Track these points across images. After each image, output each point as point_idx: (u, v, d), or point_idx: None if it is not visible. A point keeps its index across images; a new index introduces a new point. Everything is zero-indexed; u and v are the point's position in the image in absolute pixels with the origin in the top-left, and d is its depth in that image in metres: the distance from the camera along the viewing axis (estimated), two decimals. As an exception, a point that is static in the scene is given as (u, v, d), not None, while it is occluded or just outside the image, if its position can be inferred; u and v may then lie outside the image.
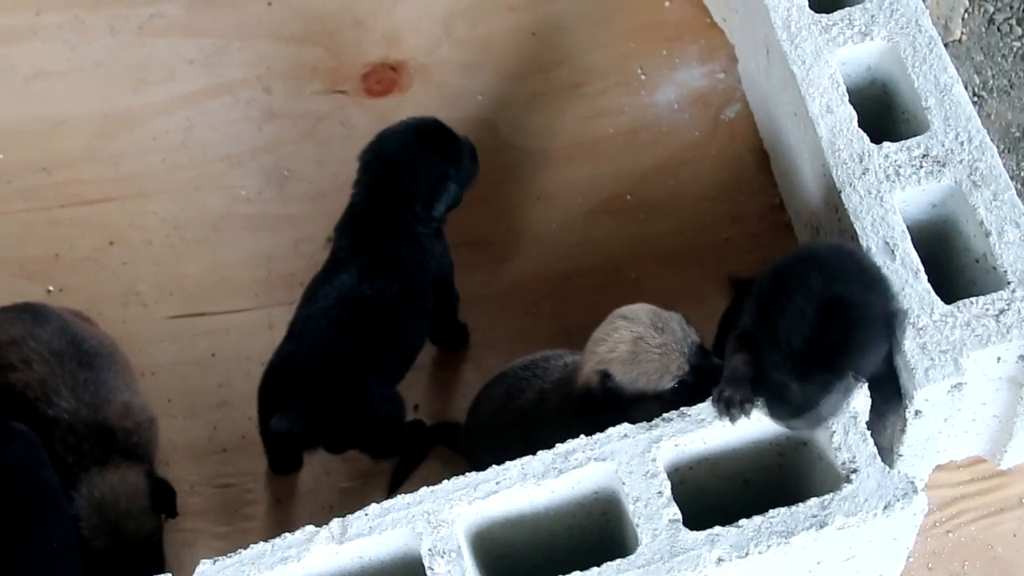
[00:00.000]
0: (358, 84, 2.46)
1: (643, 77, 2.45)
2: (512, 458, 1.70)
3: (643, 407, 1.75)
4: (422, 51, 2.49)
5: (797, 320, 1.56)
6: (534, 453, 1.71)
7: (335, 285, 2.02)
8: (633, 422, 1.72)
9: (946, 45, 2.42)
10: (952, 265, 1.94)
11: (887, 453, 1.89)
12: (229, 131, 2.42)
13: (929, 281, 1.81)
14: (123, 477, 1.96)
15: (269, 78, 2.47)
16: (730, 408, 1.69)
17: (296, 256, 2.30)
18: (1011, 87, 2.39)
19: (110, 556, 1.94)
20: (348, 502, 2.06)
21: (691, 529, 1.68)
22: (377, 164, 2.07)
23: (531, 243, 2.32)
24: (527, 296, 2.28)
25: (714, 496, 1.83)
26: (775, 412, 1.65)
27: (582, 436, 1.73)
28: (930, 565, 1.98)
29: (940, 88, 1.92)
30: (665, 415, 1.74)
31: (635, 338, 1.76)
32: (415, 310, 2.06)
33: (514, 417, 1.71)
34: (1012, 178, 2.29)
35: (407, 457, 2.13)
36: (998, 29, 2.46)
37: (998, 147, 2.34)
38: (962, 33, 2.46)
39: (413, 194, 2.04)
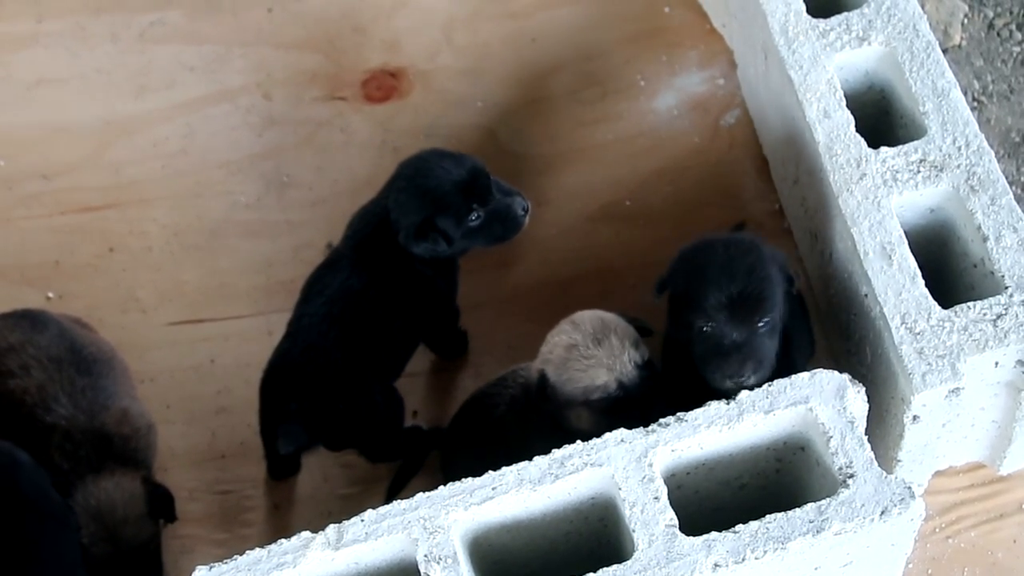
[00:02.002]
0: (358, 90, 2.46)
1: (642, 83, 2.45)
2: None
3: (574, 412, 1.78)
4: (422, 58, 2.49)
5: (719, 279, 1.79)
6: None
7: (327, 282, 2.03)
8: (568, 427, 1.76)
9: (946, 50, 2.43)
10: (950, 270, 1.94)
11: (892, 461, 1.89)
12: (229, 138, 2.42)
13: (927, 286, 1.81)
14: (119, 483, 1.96)
15: (269, 85, 2.47)
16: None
17: (296, 262, 2.29)
18: (1011, 92, 2.39)
19: (109, 563, 1.94)
20: (347, 509, 2.04)
21: (688, 534, 1.67)
22: (395, 180, 2.03)
23: (531, 249, 2.32)
24: (527, 302, 2.28)
25: (711, 501, 1.83)
26: (721, 369, 1.78)
27: (578, 441, 1.73)
28: (930, 571, 1.97)
29: (937, 93, 1.92)
30: (662, 420, 1.74)
31: (570, 345, 1.80)
32: (405, 309, 2.05)
33: (491, 432, 1.73)
34: (1012, 183, 2.30)
35: (406, 463, 2.12)
36: (998, 34, 2.46)
37: (998, 152, 2.34)
38: (962, 38, 2.46)
39: (396, 225, 1.99)
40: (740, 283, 1.79)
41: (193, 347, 2.24)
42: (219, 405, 2.20)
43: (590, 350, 1.80)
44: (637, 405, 1.79)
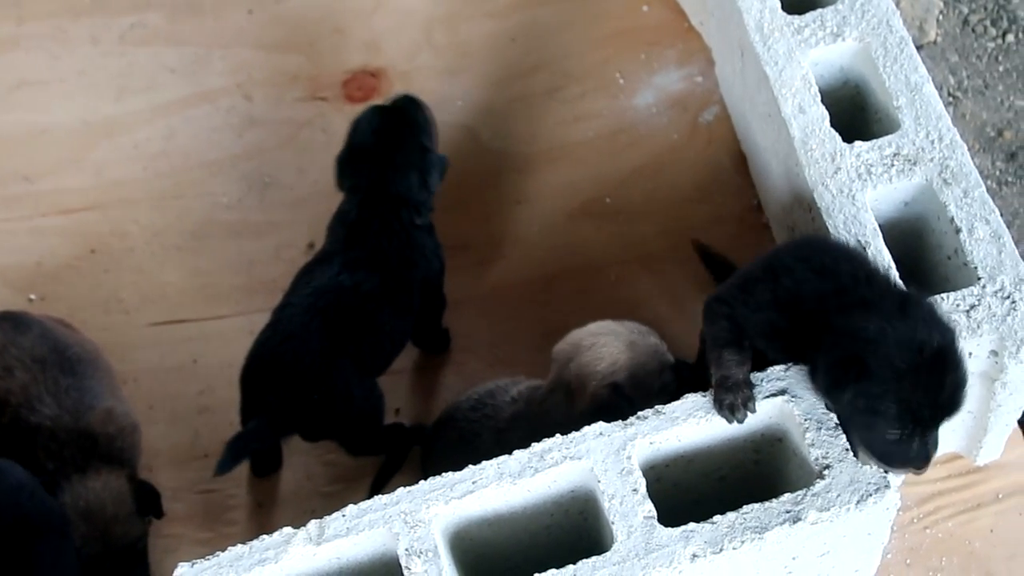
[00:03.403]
0: (339, 91, 2.47)
1: (621, 81, 2.47)
2: None
3: (651, 405, 1.79)
4: (402, 58, 2.51)
5: (913, 391, 1.59)
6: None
7: (316, 275, 2.05)
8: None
9: (921, 47, 2.45)
10: (926, 262, 1.95)
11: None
12: (210, 139, 2.43)
13: (904, 278, 1.82)
14: (107, 483, 1.97)
15: (250, 86, 2.48)
16: (735, 412, 1.72)
17: (277, 262, 2.31)
18: (986, 87, 2.41)
19: (99, 562, 1.95)
20: (330, 506, 2.03)
21: (669, 527, 1.69)
22: (360, 170, 2.10)
23: (512, 247, 2.34)
24: (508, 299, 2.29)
25: (691, 493, 1.84)
26: (896, 467, 1.67)
27: (557, 435, 1.74)
28: (908, 561, 1.99)
29: (911, 87, 1.94)
30: (640, 413, 1.75)
31: (629, 344, 1.85)
32: (396, 305, 2.08)
33: (471, 461, 1.75)
34: (987, 177, 2.33)
35: (388, 460, 2.13)
36: (972, 30, 2.48)
37: (973, 147, 2.37)
38: (937, 34, 2.48)
39: (407, 189, 2.08)
40: (947, 394, 1.61)
41: (176, 347, 2.25)
42: (202, 405, 2.20)
43: (648, 339, 1.88)
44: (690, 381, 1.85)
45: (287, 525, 1.73)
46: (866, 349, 1.61)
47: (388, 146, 2.10)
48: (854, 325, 1.62)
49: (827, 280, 1.69)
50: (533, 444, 1.74)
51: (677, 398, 1.75)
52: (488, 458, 1.71)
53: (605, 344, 1.85)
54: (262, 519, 2.11)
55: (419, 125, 2.14)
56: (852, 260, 1.73)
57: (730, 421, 1.72)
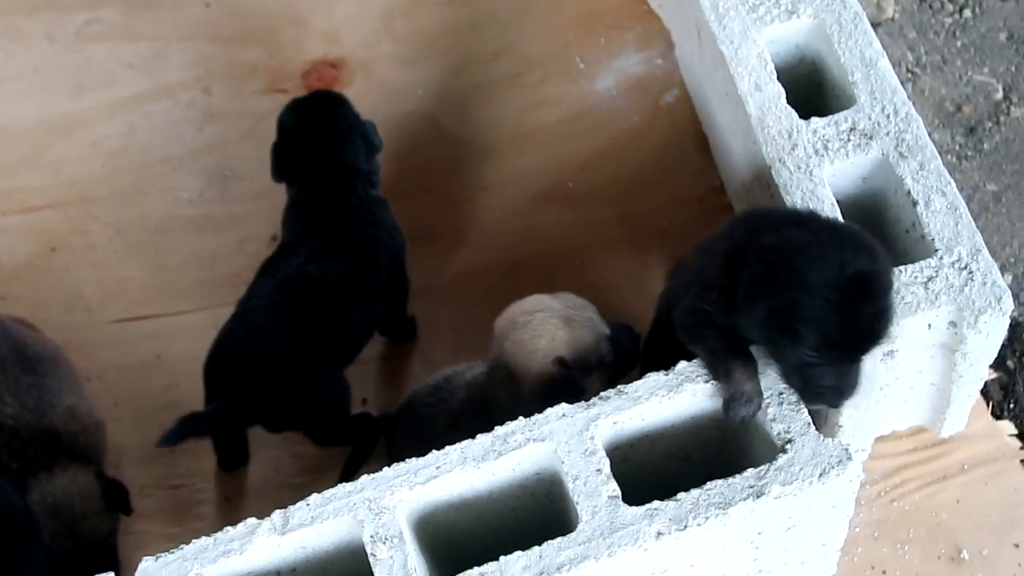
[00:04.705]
0: (299, 82, 2.46)
1: (582, 66, 2.46)
2: None
3: (594, 377, 1.81)
4: (362, 47, 2.49)
5: (825, 310, 1.49)
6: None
7: (281, 266, 2.05)
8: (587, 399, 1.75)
9: (879, 24, 2.46)
10: (885, 236, 1.95)
11: (833, 426, 1.92)
12: (170, 134, 2.42)
13: (863, 253, 1.83)
14: (74, 479, 1.97)
15: (209, 79, 2.47)
16: (751, 403, 1.68)
17: (240, 256, 2.30)
18: (944, 63, 2.42)
19: (69, 558, 1.94)
20: (299, 498, 2.01)
21: (635, 505, 1.69)
22: (304, 152, 2.11)
23: (476, 234, 2.33)
24: (473, 287, 2.29)
25: (657, 473, 1.84)
26: (815, 401, 1.62)
27: (520, 418, 1.74)
28: (876, 534, 2.00)
29: (866, 63, 1.94)
30: (602, 393, 1.75)
31: (566, 319, 1.83)
32: (364, 291, 2.07)
33: (428, 447, 1.74)
34: (947, 151, 2.34)
35: (356, 450, 2.13)
36: (930, 6, 2.49)
37: (932, 122, 2.38)
38: (895, 11, 2.49)
39: (355, 156, 2.09)
40: (863, 318, 1.48)
41: (139, 344, 2.24)
42: (167, 401, 2.19)
43: (584, 312, 1.87)
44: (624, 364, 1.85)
45: (257, 517, 1.71)
46: (783, 261, 1.50)
47: (325, 120, 2.10)
48: (779, 238, 1.53)
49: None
50: (496, 428, 1.74)
51: (618, 368, 1.77)
52: (443, 444, 1.70)
53: (541, 322, 1.84)
54: (231, 513, 2.10)
55: (345, 101, 2.15)
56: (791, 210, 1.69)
57: (742, 416, 1.70)
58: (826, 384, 1.57)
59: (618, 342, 1.87)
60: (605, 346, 1.85)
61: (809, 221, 1.62)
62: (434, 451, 1.73)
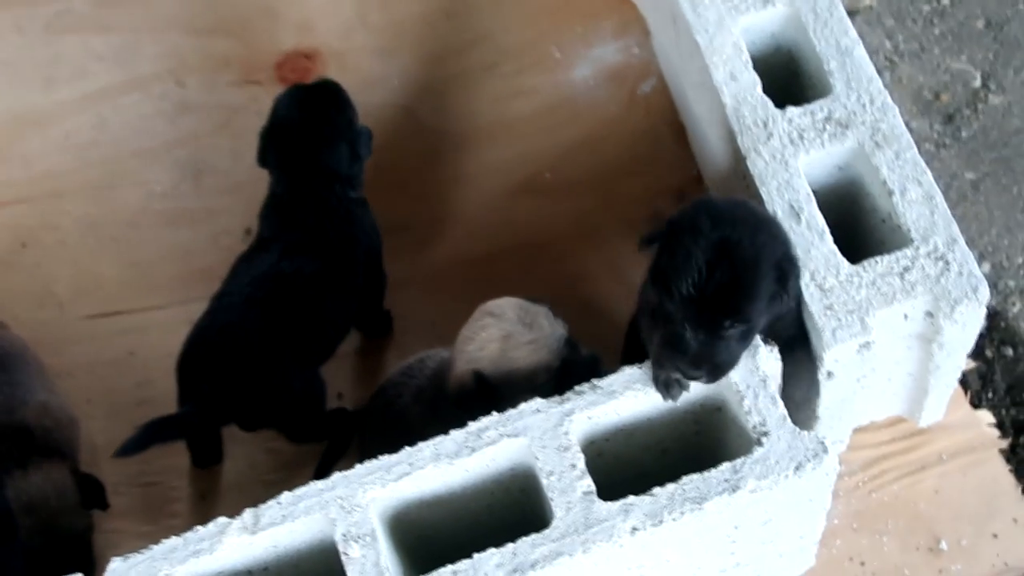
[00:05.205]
0: (272, 74, 2.43)
1: (558, 55, 2.44)
2: None
3: (517, 400, 1.75)
4: (336, 37, 2.46)
5: (686, 265, 1.55)
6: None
7: (255, 263, 2.02)
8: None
9: (857, 12, 2.44)
10: (863, 226, 1.95)
11: (811, 419, 1.91)
12: (142, 126, 2.38)
13: (841, 243, 1.82)
14: (48, 476, 1.94)
15: (182, 71, 2.44)
16: (669, 388, 1.70)
17: (214, 250, 2.27)
18: (922, 50, 2.40)
19: (45, 556, 1.92)
20: (274, 495, 2.01)
21: (611, 500, 1.67)
22: (287, 147, 2.07)
23: (452, 226, 2.31)
24: (450, 280, 2.26)
25: (634, 467, 1.83)
26: (674, 364, 1.62)
27: (493, 413, 1.73)
28: (855, 526, 1.99)
29: (841, 51, 1.93)
30: (577, 387, 1.73)
31: (504, 336, 1.77)
32: (340, 289, 2.05)
33: (396, 423, 1.71)
34: (925, 140, 2.33)
35: (332, 445, 2.11)
36: (908, -7, 2.47)
37: (911, 110, 2.36)
38: (873, -1, 2.47)
39: (337, 162, 2.05)
40: (716, 279, 1.53)
41: (112, 340, 2.21)
42: (140, 397, 2.17)
43: (526, 335, 1.78)
44: (573, 379, 1.77)
45: (232, 515, 1.70)
46: (669, 230, 1.59)
47: (314, 119, 2.07)
48: (677, 212, 1.62)
49: None
50: (469, 423, 1.72)
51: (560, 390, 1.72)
52: (408, 419, 1.68)
53: (484, 328, 1.78)
54: (205, 511, 2.08)
55: (343, 100, 2.11)
56: None
57: (664, 398, 1.70)
58: (678, 349, 1.58)
59: (568, 370, 1.76)
60: (542, 375, 1.76)
61: (715, 201, 1.67)
62: (406, 447, 1.71)
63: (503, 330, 1.78)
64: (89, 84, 2.42)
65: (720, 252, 1.55)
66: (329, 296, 2.03)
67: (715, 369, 1.61)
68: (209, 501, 2.10)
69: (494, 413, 1.73)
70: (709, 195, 1.71)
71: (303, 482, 2.06)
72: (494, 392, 1.75)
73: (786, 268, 1.62)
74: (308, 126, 2.07)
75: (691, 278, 1.54)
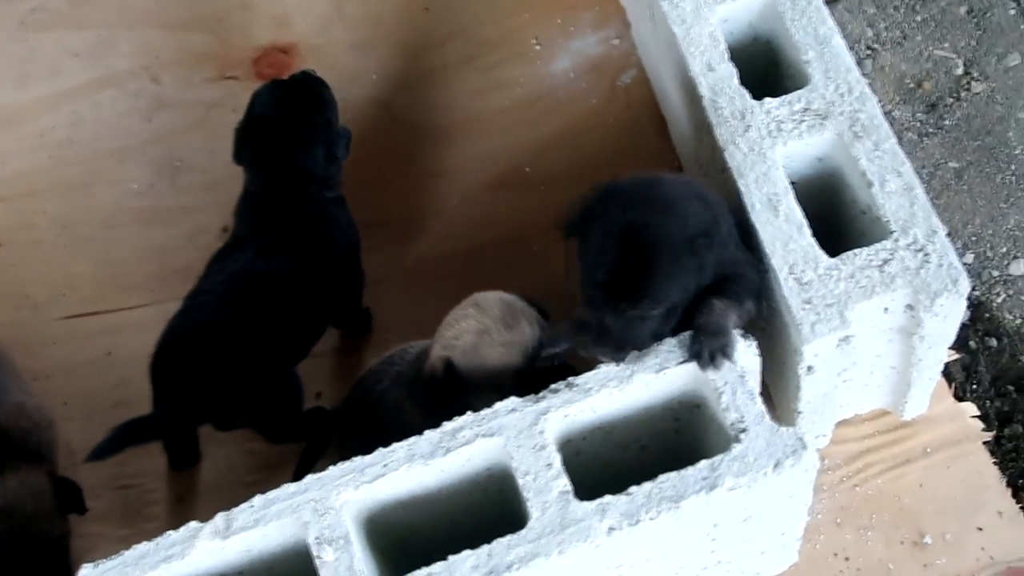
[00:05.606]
0: (249, 69, 2.41)
1: (538, 47, 2.41)
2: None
3: (483, 397, 1.73)
4: (313, 32, 2.44)
5: (599, 252, 1.56)
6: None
7: (230, 261, 2.00)
8: (473, 410, 1.69)
9: (838, 0, 2.41)
10: (843, 218, 1.92)
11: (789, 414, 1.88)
12: (118, 124, 2.36)
13: (820, 236, 1.79)
14: (25, 480, 1.92)
15: (157, 67, 2.41)
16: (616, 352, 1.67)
17: (191, 248, 2.24)
18: (904, 38, 2.37)
19: (21, 561, 1.90)
20: (253, 496, 2.02)
21: (590, 499, 1.65)
22: (262, 145, 2.04)
23: (432, 222, 2.29)
24: (430, 276, 2.24)
25: (614, 466, 1.81)
26: (598, 350, 1.63)
27: (469, 412, 1.70)
28: (838, 520, 1.97)
29: (819, 40, 1.90)
30: (552, 386, 1.71)
31: (481, 330, 1.75)
32: (316, 288, 2.03)
33: (373, 409, 1.69)
34: (907, 128, 2.30)
35: (311, 446, 2.08)
36: (889, -20, 2.44)
37: (893, 99, 2.34)
38: (855, -14, 2.44)
39: (312, 164, 2.01)
40: (627, 264, 1.54)
41: (88, 341, 2.19)
42: (117, 398, 2.14)
43: (503, 335, 1.77)
44: (543, 384, 1.74)
45: (211, 517, 1.68)
46: (586, 212, 1.60)
47: (292, 119, 2.04)
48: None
49: None
50: (444, 423, 1.70)
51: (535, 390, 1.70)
52: (387, 405, 1.65)
53: (466, 317, 1.76)
54: (183, 513, 2.06)
55: (323, 99, 2.08)
56: None
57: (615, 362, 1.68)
58: (589, 330, 1.60)
59: (535, 376, 1.73)
60: (508, 377, 1.74)
61: (624, 184, 1.67)
62: (380, 448, 1.69)
63: (482, 324, 1.76)
64: (64, 81, 2.40)
65: (628, 236, 1.55)
66: (305, 295, 2.01)
67: (635, 348, 1.62)
68: (187, 503, 2.08)
69: (468, 412, 1.71)
70: (621, 177, 1.68)
71: (283, 483, 2.06)
72: (460, 383, 1.73)
73: (700, 244, 1.60)
74: (284, 125, 2.04)
75: (603, 265, 1.55)
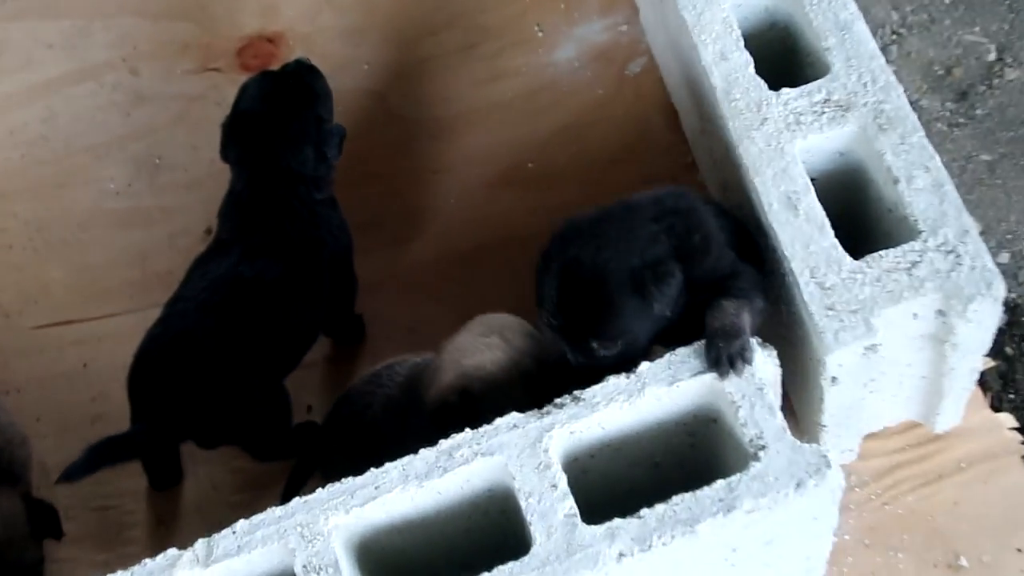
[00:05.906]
0: (233, 60, 2.31)
1: (541, 34, 2.31)
2: None
3: (493, 418, 1.61)
4: (301, 19, 2.34)
5: (546, 292, 1.56)
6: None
7: (212, 266, 1.90)
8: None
9: (860, -19, 2.29)
10: (868, 217, 1.81)
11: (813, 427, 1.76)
12: (94, 119, 2.28)
13: (843, 236, 1.68)
14: None
15: (136, 59, 2.32)
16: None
17: (172, 252, 2.15)
18: (932, 22, 2.27)
19: None
20: (239, 518, 1.90)
21: (599, 521, 1.54)
22: (248, 143, 1.93)
23: (429, 222, 2.19)
24: (427, 279, 2.14)
25: (624, 484, 1.70)
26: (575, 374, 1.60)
27: (467, 430, 1.59)
28: (867, 541, 1.85)
29: (840, 26, 1.78)
30: (556, 400, 1.60)
31: (512, 363, 1.64)
32: (304, 295, 1.92)
33: (365, 436, 1.59)
34: (937, 119, 2.19)
35: (300, 463, 1.97)
36: (915, -39, 2.33)
37: (920, 87, 2.24)
38: (877, -32, 2.33)
39: (300, 164, 1.92)
40: (569, 304, 1.54)
41: (63, 352, 2.11)
42: (95, 413, 2.05)
43: (516, 341, 1.66)
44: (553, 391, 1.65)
45: (192, 541, 1.58)
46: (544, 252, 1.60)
47: (280, 115, 1.93)
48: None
49: None
50: (441, 441, 1.59)
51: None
52: (376, 434, 1.58)
53: (491, 345, 1.64)
54: (164, 536, 1.95)
55: (314, 93, 1.97)
56: None
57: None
58: (563, 349, 1.59)
59: (538, 381, 1.65)
60: (518, 391, 1.64)
61: (574, 219, 1.64)
62: (372, 469, 1.58)
63: (511, 357, 1.65)
64: (37, 74, 2.31)
65: (566, 276, 1.55)
66: (293, 302, 1.90)
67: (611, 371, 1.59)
68: (168, 526, 1.98)
69: (467, 430, 1.60)
70: (581, 211, 1.66)
71: (272, 503, 1.95)
72: (477, 415, 1.62)
73: (642, 276, 1.55)
74: (272, 121, 1.93)
75: (549, 307, 1.56)
